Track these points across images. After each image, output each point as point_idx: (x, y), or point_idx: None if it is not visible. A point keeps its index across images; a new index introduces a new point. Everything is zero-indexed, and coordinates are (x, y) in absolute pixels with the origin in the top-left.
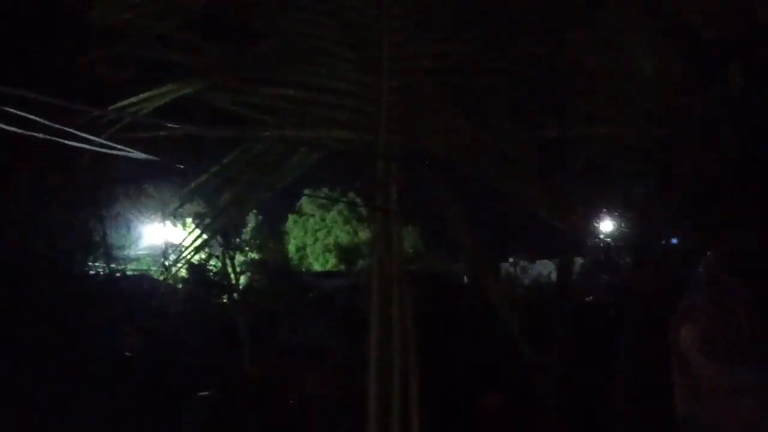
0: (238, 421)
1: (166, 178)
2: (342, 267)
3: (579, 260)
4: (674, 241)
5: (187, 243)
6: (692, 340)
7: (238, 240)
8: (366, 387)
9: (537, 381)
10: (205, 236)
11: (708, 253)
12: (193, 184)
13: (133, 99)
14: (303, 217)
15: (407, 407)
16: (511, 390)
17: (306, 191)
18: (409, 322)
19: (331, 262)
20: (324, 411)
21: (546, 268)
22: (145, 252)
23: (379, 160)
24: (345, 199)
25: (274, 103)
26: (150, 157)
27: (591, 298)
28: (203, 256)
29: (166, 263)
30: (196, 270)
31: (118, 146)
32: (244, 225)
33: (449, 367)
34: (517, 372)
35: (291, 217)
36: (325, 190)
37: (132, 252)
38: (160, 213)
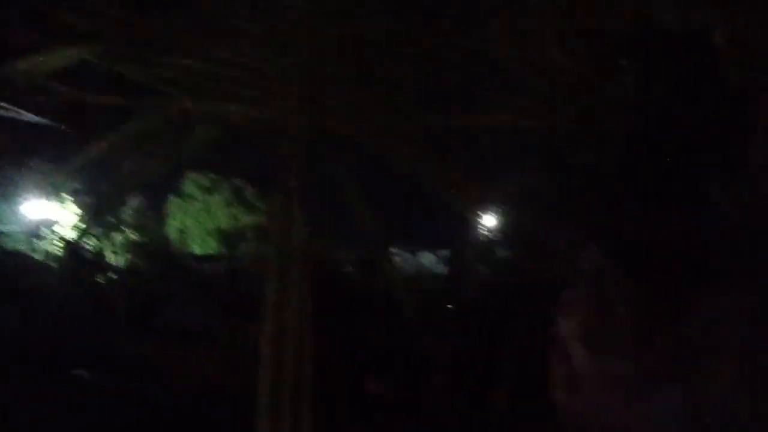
0: (111, 398)
1: (47, 153)
2: (223, 251)
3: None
4: None
5: (62, 220)
6: (572, 332)
7: (116, 220)
8: (249, 369)
9: (424, 368)
10: (80, 213)
11: (591, 246)
12: (77, 159)
13: (28, 60)
14: (185, 200)
15: (300, 393)
16: (399, 376)
17: (190, 174)
18: (308, 306)
19: (212, 246)
20: (198, 393)
21: (427, 259)
22: (20, 229)
23: (283, 138)
24: (234, 181)
25: (177, 74)
26: (42, 120)
27: (477, 289)
28: (80, 234)
29: (41, 240)
30: (72, 248)
31: (9, 106)
32: (124, 205)
33: (341, 355)
34: (406, 359)
35: (173, 199)
36: (210, 175)
37: (6, 228)
38: (38, 189)
